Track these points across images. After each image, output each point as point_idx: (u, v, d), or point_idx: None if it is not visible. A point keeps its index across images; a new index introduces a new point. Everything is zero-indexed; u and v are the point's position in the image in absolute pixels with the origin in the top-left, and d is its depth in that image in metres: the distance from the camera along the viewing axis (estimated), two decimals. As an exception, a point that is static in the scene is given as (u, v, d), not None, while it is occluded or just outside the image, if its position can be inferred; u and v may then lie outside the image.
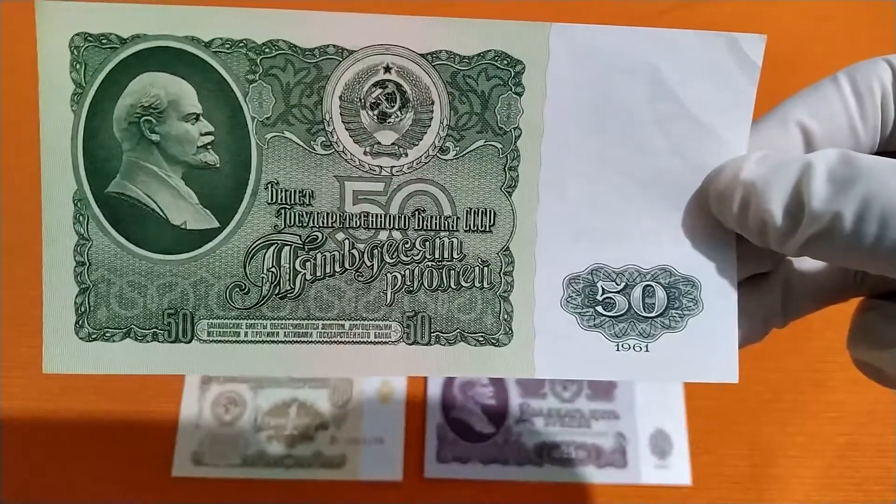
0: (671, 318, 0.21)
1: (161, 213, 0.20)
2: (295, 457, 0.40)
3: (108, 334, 0.20)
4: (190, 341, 0.20)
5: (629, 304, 0.21)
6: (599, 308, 0.21)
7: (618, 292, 0.21)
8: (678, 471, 0.40)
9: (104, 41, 0.19)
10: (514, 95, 0.20)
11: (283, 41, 0.19)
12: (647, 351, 0.21)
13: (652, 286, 0.21)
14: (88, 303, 0.20)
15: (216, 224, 0.20)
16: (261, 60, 0.20)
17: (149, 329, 0.20)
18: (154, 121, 0.20)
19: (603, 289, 0.21)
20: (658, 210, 0.21)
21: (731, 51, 0.20)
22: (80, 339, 0.20)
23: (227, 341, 0.20)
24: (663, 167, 0.21)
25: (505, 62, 0.20)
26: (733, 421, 0.42)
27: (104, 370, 0.20)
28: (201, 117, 0.20)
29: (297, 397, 0.41)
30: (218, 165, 0.20)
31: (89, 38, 0.19)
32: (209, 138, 0.20)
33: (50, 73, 0.19)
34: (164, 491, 0.39)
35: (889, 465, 0.41)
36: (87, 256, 0.20)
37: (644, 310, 0.21)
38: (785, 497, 0.40)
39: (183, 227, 0.20)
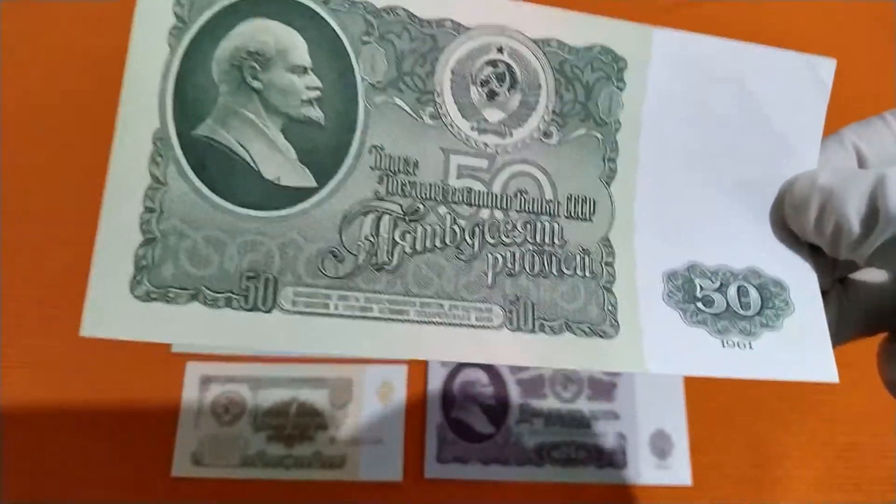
0: (768, 318, 0.21)
1: (253, 165, 0.18)
2: (295, 457, 0.39)
3: (171, 295, 0.17)
4: (270, 310, 0.17)
5: (727, 302, 0.20)
6: (700, 304, 0.20)
7: (715, 290, 0.20)
8: (678, 471, 0.40)
9: None
10: (616, 90, 0.21)
11: (403, 8, 0.19)
12: (750, 348, 0.20)
13: (745, 286, 0.21)
14: (152, 256, 0.17)
15: (313, 183, 0.18)
16: (378, 24, 0.19)
17: (222, 293, 0.17)
18: (258, 67, 0.18)
19: (701, 286, 0.20)
20: (744, 214, 0.21)
21: (807, 70, 0.22)
22: (136, 297, 0.17)
23: (313, 313, 0.18)
24: (748, 174, 0.21)
25: (609, 57, 0.21)
26: (733, 421, 0.41)
27: (161, 337, 0.17)
28: (310, 71, 0.18)
29: (296, 397, 0.41)
30: (322, 122, 0.18)
31: None
32: (315, 93, 0.18)
33: (149, 3, 0.18)
34: (164, 491, 0.38)
35: (890, 465, 0.41)
36: (160, 203, 0.17)
37: (742, 308, 0.20)
38: (785, 497, 0.40)
39: (276, 182, 0.18)
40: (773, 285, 0.21)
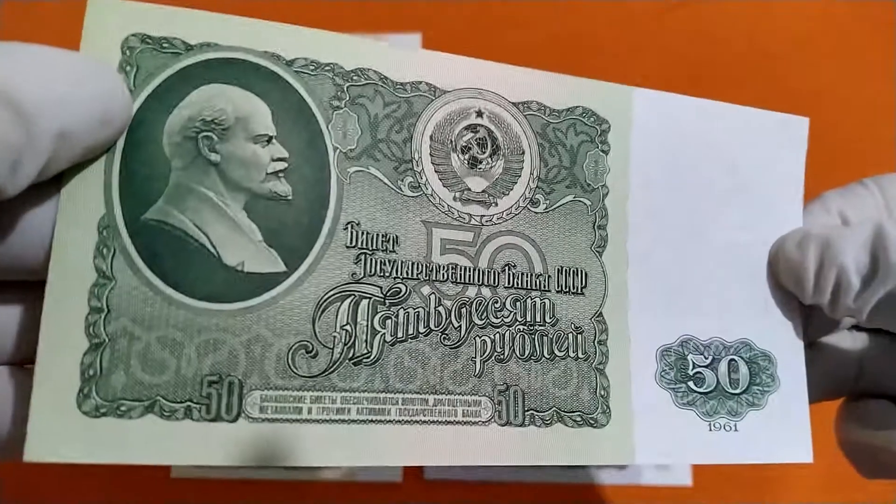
0: (754, 395, 0.20)
1: (212, 250, 0.16)
2: (295, 458, 0.39)
3: (123, 408, 0.14)
4: (235, 419, 0.15)
5: (717, 379, 0.19)
6: (691, 384, 0.19)
7: (706, 367, 0.19)
8: (679, 472, 0.40)
9: (165, 45, 0.16)
10: (601, 153, 0.19)
11: (374, 71, 0.18)
12: (735, 430, 0.19)
13: (736, 361, 0.20)
14: (100, 364, 0.15)
15: (282, 267, 0.16)
16: (348, 87, 0.17)
17: (181, 402, 0.15)
18: (215, 138, 0.16)
19: (693, 363, 0.19)
20: (734, 282, 0.20)
21: (781, 129, 0.21)
22: (84, 413, 0.14)
23: (285, 420, 0.15)
24: (735, 239, 0.20)
25: (592, 119, 0.19)
26: (733, 420, 0.42)
27: (113, 458, 0.14)
28: (274, 140, 0.17)
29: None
30: (290, 197, 0.16)
31: (148, 40, 0.16)
32: (282, 165, 0.16)
33: None
34: (164, 492, 0.38)
35: (893, 465, 0.41)
36: (107, 301, 0.15)
37: (730, 386, 0.19)
38: (785, 497, 0.40)
39: (239, 268, 0.16)
40: (762, 359, 0.20)
